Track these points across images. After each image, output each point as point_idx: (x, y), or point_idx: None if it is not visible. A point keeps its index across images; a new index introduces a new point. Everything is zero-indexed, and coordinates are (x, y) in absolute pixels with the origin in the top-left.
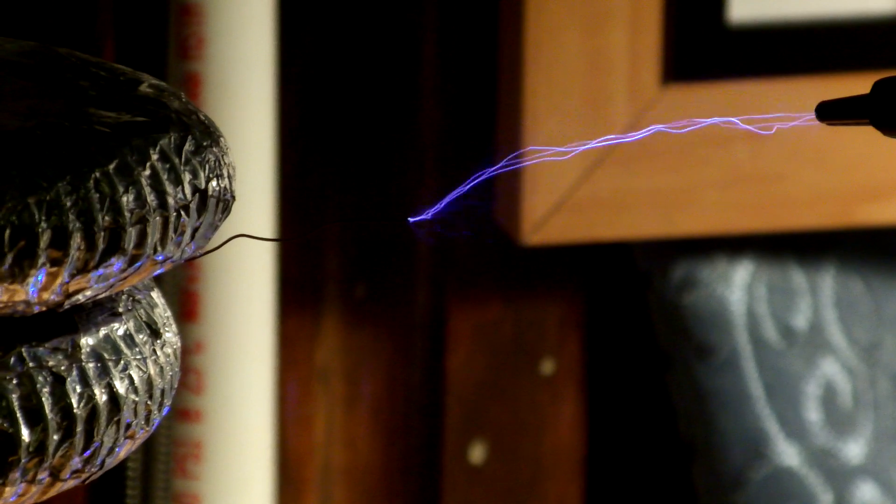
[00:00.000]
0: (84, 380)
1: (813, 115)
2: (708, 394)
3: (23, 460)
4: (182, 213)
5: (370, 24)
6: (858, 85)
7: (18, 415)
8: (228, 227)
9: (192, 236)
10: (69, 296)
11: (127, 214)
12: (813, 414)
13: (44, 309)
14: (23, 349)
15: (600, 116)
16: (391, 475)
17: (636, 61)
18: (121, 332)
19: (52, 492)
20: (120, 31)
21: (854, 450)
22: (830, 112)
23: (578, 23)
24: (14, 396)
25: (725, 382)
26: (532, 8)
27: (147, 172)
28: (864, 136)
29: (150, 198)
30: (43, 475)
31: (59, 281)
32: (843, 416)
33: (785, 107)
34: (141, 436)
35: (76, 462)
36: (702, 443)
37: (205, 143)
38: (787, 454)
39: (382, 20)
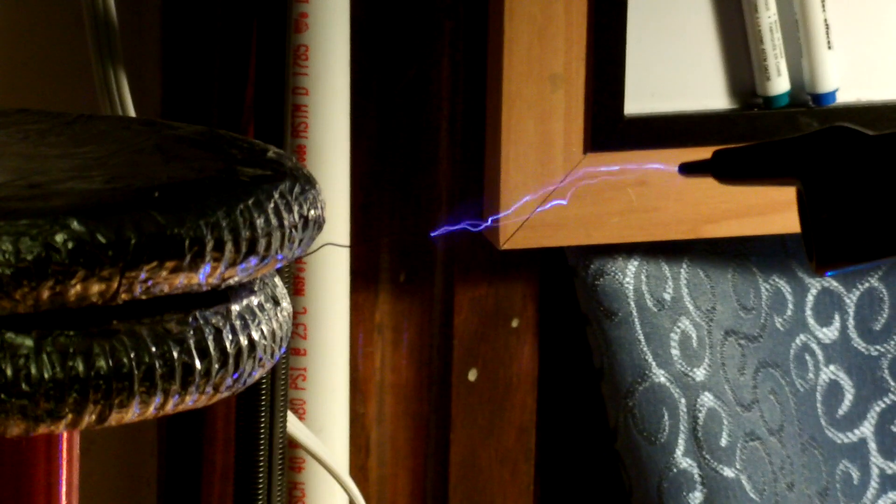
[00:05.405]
0: (233, 331)
1: (677, 170)
2: (611, 340)
3: (197, 380)
4: (293, 230)
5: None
6: (706, 152)
7: (194, 352)
8: (320, 237)
9: (299, 244)
10: (224, 280)
11: (260, 231)
12: (675, 352)
13: (209, 288)
14: (196, 312)
15: (547, 173)
16: (420, 389)
17: (570, 138)
18: (256, 302)
19: (215, 399)
20: (258, 121)
21: (699, 374)
22: (688, 168)
23: (535, 115)
24: (192, 341)
25: (622, 333)
26: (506, 103)
27: (272, 206)
28: (708, 183)
29: (274, 221)
30: (209, 389)
31: (218, 271)
32: (693, 353)
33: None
34: (269, 365)
35: (228, 381)
36: (607, 369)
37: (307, 188)
38: (658, 375)
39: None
